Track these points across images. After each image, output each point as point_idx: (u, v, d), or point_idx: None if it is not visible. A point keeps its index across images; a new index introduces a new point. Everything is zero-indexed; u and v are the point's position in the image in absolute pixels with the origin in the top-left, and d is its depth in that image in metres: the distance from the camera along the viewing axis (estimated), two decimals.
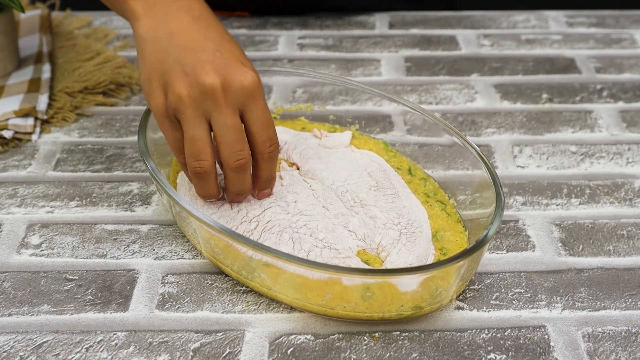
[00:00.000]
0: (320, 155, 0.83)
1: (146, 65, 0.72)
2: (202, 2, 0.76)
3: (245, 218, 0.74)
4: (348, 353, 0.68)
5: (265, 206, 0.75)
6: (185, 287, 0.73)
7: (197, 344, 0.68)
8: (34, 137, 0.92)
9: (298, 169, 0.82)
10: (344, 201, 0.77)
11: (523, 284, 0.75)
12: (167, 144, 0.73)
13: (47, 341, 0.68)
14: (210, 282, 0.74)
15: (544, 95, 1.04)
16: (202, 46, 0.71)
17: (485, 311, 0.72)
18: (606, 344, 0.69)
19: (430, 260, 0.73)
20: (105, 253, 0.77)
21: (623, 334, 0.70)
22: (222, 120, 0.70)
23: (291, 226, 0.73)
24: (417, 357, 0.67)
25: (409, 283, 0.67)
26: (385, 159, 0.85)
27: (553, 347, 0.69)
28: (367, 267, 0.71)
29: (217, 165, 0.74)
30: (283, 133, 0.87)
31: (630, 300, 0.74)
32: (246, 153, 0.71)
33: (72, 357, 0.66)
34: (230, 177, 0.72)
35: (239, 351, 0.67)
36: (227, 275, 0.74)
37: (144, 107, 0.98)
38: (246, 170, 0.72)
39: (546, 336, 0.70)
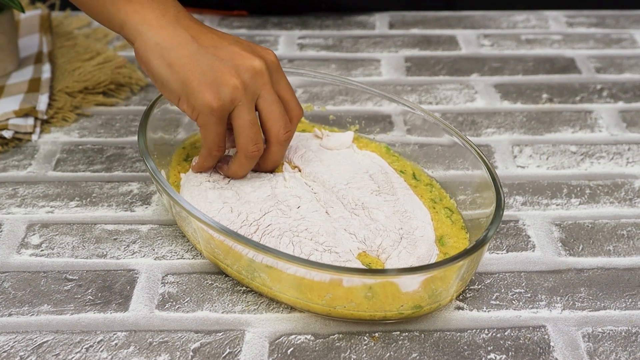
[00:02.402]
0: (322, 158, 0.83)
1: (177, 71, 0.73)
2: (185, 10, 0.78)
3: (246, 222, 0.74)
4: (348, 353, 0.68)
5: (265, 210, 0.75)
6: (185, 287, 0.73)
7: (197, 344, 0.68)
8: (34, 137, 0.92)
9: (300, 171, 0.82)
10: (345, 204, 0.77)
11: (523, 284, 0.75)
12: (204, 142, 0.75)
13: (47, 341, 0.68)
14: (210, 282, 0.74)
15: (544, 95, 1.04)
16: (224, 42, 0.75)
17: (485, 311, 0.72)
18: (606, 344, 0.69)
19: (433, 262, 0.73)
20: (105, 253, 0.77)
21: (623, 334, 0.70)
22: (270, 98, 0.75)
23: (292, 230, 0.73)
24: (417, 357, 0.67)
25: (409, 283, 0.67)
26: (387, 162, 0.85)
27: (553, 347, 0.69)
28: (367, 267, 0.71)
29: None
30: None
31: (630, 300, 0.74)
32: (290, 124, 0.77)
33: (72, 357, 0.67)
34: (277, 150, 0.77)
35: (239, 351, 0.67)
36: (227, 275, 0.74)
37: (144, 107, 0.98)
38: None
39: (546, 336, 0.70)
